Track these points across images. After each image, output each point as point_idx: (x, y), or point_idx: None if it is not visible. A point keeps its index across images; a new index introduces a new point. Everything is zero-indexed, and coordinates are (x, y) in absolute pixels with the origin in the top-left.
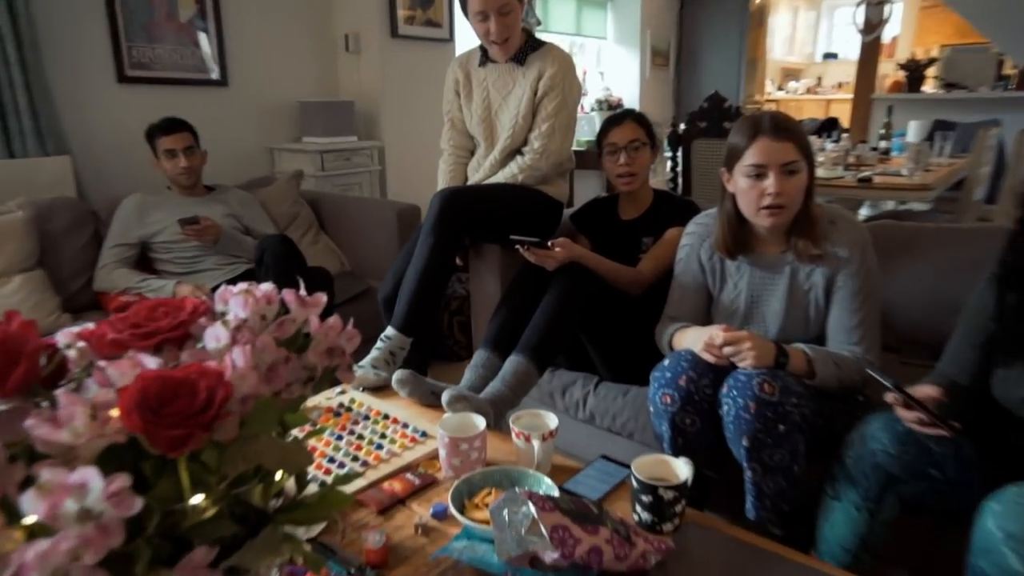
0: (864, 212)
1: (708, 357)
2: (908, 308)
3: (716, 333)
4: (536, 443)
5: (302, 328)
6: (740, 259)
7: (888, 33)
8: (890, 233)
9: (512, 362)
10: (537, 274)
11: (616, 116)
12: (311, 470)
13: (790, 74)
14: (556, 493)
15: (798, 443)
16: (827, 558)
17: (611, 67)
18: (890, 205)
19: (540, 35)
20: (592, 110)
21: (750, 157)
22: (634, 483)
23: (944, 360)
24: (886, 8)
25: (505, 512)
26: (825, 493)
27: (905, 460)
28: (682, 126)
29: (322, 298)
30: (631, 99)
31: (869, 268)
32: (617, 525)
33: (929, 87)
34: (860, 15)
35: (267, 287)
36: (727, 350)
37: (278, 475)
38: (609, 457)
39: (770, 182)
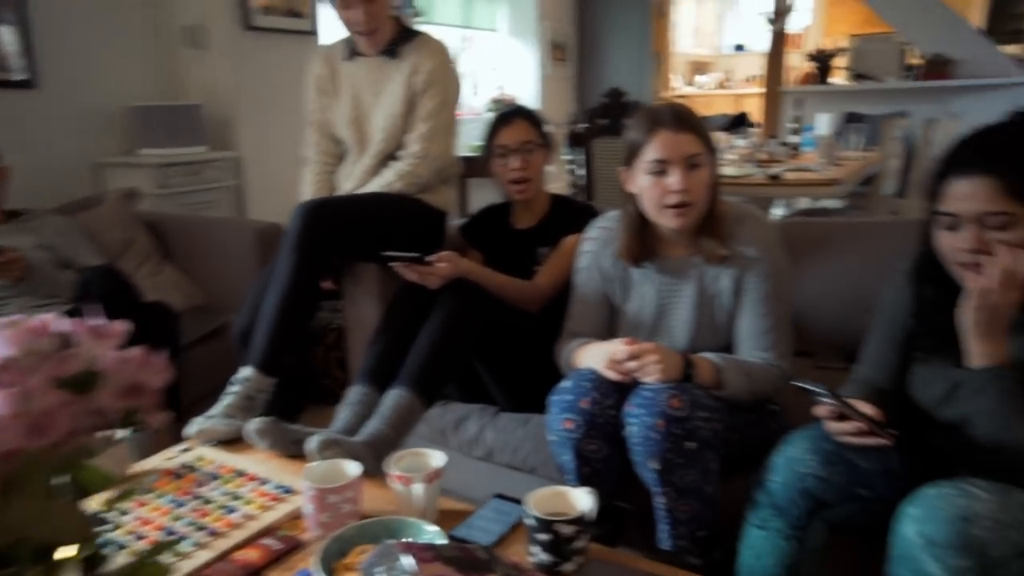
0: (778, 212)
1: (611, 375)
2: (822, 309)
3: (619, 348)
4: (418, 486)
5: (92, 364)
6: (646, 265)
7: (798, 23)
8: (802, 231)
9: (392, 396)
10: (419, 294)
11: (505, 115)
12: (139, 546)
13: (699, 68)
14: (443, 541)
15: (710, 461)
16: None
17: (505, 63)
18: (804, 203)
19: (423, 28)
20: (488, 110)
21: (651, 152)
22: (528, 520)
23: (863, 364)
24: None
25: (379, 570)
26: (748, 522)
27: (834, 482)
28: (582, 125)
29: (117, 327)
30: (529, 97)
31: (779, 268)
32: (509, 571)
33: (839, 78)
34: (768, 3)
35: (46, 317)
36: (631, 365)
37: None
38: (505, 496)
39: (674, 178)
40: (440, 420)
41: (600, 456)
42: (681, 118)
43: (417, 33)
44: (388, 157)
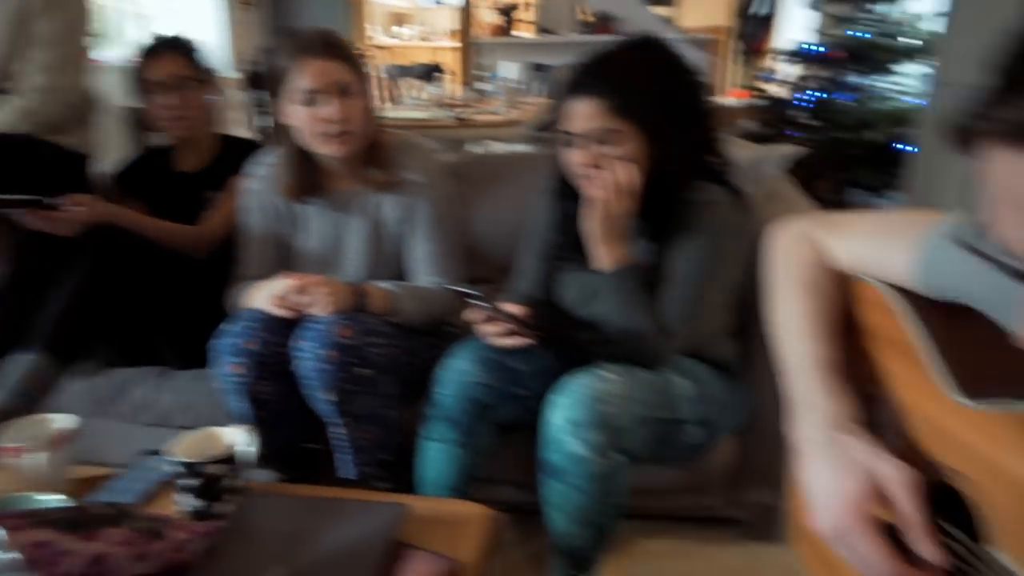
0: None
1: (280, 312)
2: (500, 236)
3: (285, 283)
4: (37, 456)
5: None
6: (314, 201)
7: None
8: (480, 164)
9: (18, 362)
10: (51, 244)
11: (153, 47)
12: None
13: (399, 19)
14: None
15: (388, 385)
16: None
17: (183, 4)
18: (497, 148)
19: None
20: None
21: (300, 81)
22: (170, 467)
23: (517, 276)
24: None
25: None
26: (423, 437)
27: (496, 387)
28: (262, 66)
29: None
30: (215, 41)
31: (447, 194)
32: (146, 523)
33: (527, 32)
34: None
35: None
36: (300, 299)
37: None
38: (156, 451)
39: (328, 108)
40: (98, 388)
41: (275, 398)
42: (329, 45)
43: None
44: None
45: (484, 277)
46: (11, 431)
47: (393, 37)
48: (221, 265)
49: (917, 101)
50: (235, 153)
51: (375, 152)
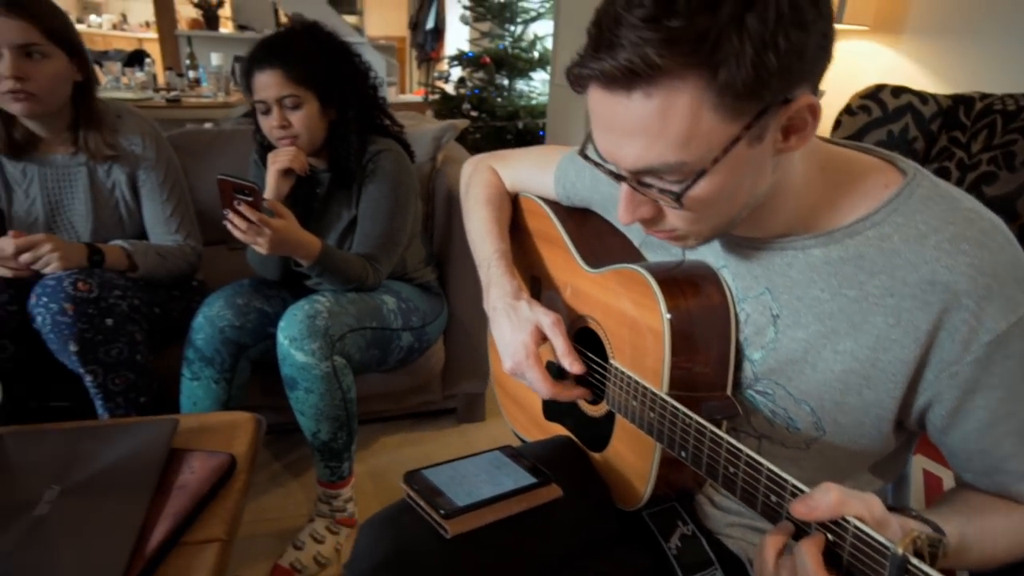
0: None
1: (3, 272)
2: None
3: (6, 242)
4: None
5: None
6: (26, 163)
7: None
8: (194, 137)
9: None
10: None
11: None
12: None
13: (88, 8)
14: None
15: (135, 333)
16: None
17: None
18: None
19: None
20: None
21: None
22: None
23: None
24: None
25: None
26: (183, 376)
27: (249, 328)
28: None
29: None
30: None
31: (169, 158)
32: None
33: (227, 28)
34: None
35: None
36: (25, 257)
37: None
38: None
39: (4, 64)
40: None
41: (7, 356)
42: (16, 2)
43: None
44: None
45: (212, 239)
46: None
47: (83, 24)
48: None
49: (544, 98)
50: None
51: (89, 120)
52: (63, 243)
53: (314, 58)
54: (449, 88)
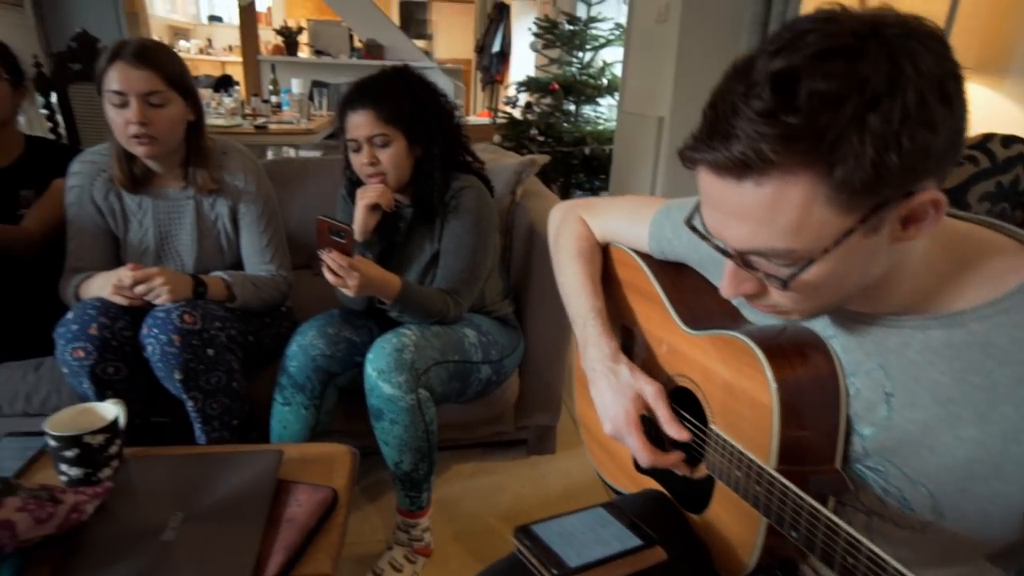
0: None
1: (120, 300)
2: (309, 227)
3: (124, 273)
4: None
5: None
6: (142, 196)
7: (263, 3)
8: (284, 167)
9: None
10: None
11: None
12: None
13: (179, 33)
14: None
15: (232, 362)
16: None
17: None
18: (291, 154)
19: None
20: None
21: (111, 83)
22: (52, 443)
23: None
24: None
25: None
26: (275, 401)
27: (338, 356)
28: (49, 69)
29: None
30: None
31: (267, 192)
32: (36, 492)
33: (304, 53)
34: None
35: None
36: (139, 289)
37: None
38: (17, 432)
39: (131, 111)
40: None
41: (121, 377)
42: (141, 54)
43: None
44: None
45: (302, 264)
46: None
47: (175, 50)
48: (48, 259)
49: (611, 124)
50: (45, 153)
51: (198, 156)
52: (173, 276)
53: (403, 99)
54: (516, 113)
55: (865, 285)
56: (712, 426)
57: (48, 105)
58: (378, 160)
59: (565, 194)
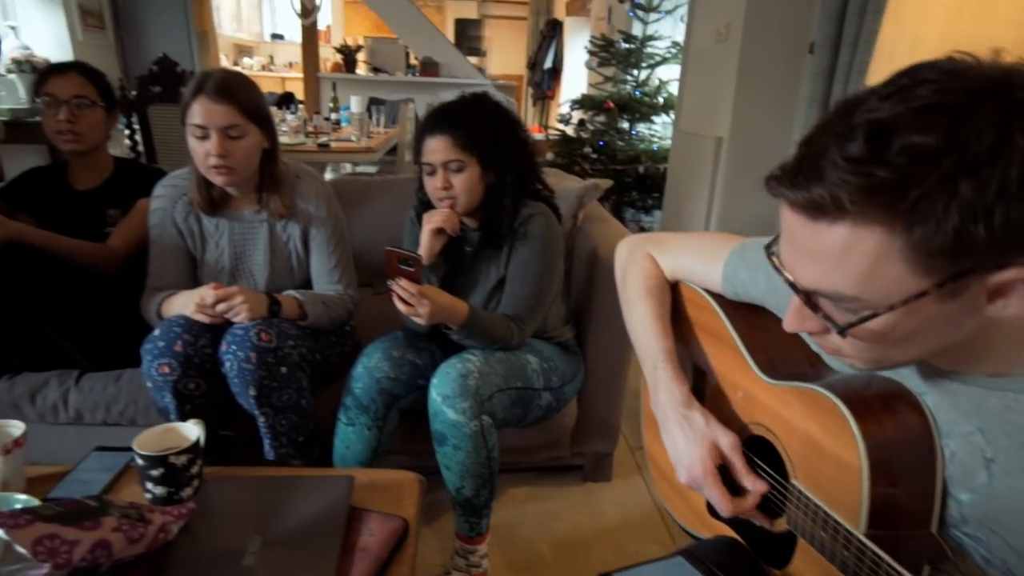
0: (328, 175)
1: (202, 318)
2: (371, 246)
3: (207, 292)
4: None
5: None
6: (219, 218)
7: (323, 21)
8: (349, 186)
9: None
10: None
11: (61, 65)
12: None
13: (243, 50)
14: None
15: (302, 380)
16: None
17: (26, 24)
18: (347, 168)
19: None
20: (8, 72)
21: (194, 116)
22: (139, 461)
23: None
24: None
25: None
26: (339, 421)
27: (402, 380)
28: (132, 92)
29: None
30: (62, 60)
31: (336, 215)
32: (127, 511)
33: (361, 70)
34: (296, 1)
35: None
36: (220, 307)
37: None
38: (105, 447)
39: (211, 144)
40: (10, 393)
41: (200, 393)
42: (223, 89)
43: None
44: None
45: (363, 282)
46: None
47: (239, 66)
48: (130, 276)
49: (665, 143)
50: (132, 174)
51: (271, 182)
52: (251, 295)
53: (481, 126)
54: (569, 130)
55: (946, 347)
56: (794, 481)
57: (129, 125)
58: (451, 184)
59: (618, 212)
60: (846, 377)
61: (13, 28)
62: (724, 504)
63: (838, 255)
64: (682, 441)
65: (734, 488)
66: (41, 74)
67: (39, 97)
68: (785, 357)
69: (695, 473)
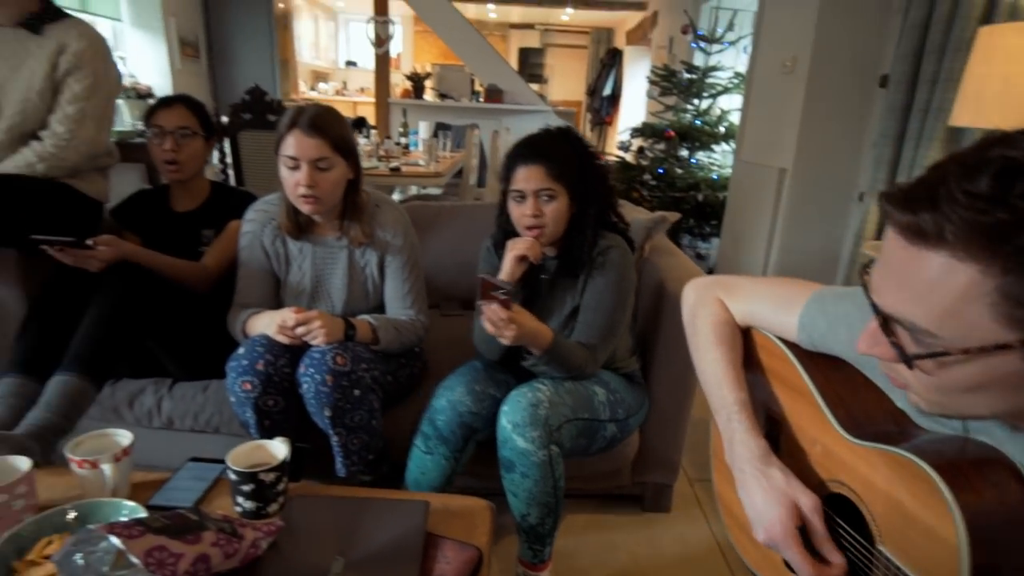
0: (396, 196)
1: (283, 339)
2: (440, 270)
3: (288, 315)
4: (107, 467)
5: None
6: (303, 242)
7: (394, 49)
8: (420, 211)
9: (58, 383)
10: (75, 279)
11: (168, 98)
12: None
13: (319, 76)
14: (142, 514)
15: (373, 401)
16: None
17: (133, 53)
18: (413, 190)
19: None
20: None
21: (287, 148)
22: (232, 476)
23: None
24: (390, 27)
25: (77, 557)
26: (417, 448)
27: (483, 414)
28: (224, 118)
29: None
30: (162, 88)
31: (412, 243)
32: (221, 524)
33: (429, 96)
34: (371, 30)
35: None
36: (299, 330)
37: None
38: (199, 458)
39: (302, 175)
40: (111, 399)
41: (278, 409)
42: (314, 123)
43: (67, 15)
44: (27, 136)
45: (431, 303)
46: (83, 446)
47: (315, 91)
48: (220, 293)
49: (724, 171)
50: (226, 198)
51: (353, 211)
52: (329, 320)
53: (569, 158)
54: (628, 157)
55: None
56: (881, 547)
57: (221, 149)
58: (542, 213)
59: (675, 238)
60: (937, 440)
61: (122, 58)
62: (807, 568)
63: (926, 285)
64: (760, 498)
65: (812, 547)
66: (151, 107)
67: (148, 127)
68: (868, 413)
69: (774, 534)
